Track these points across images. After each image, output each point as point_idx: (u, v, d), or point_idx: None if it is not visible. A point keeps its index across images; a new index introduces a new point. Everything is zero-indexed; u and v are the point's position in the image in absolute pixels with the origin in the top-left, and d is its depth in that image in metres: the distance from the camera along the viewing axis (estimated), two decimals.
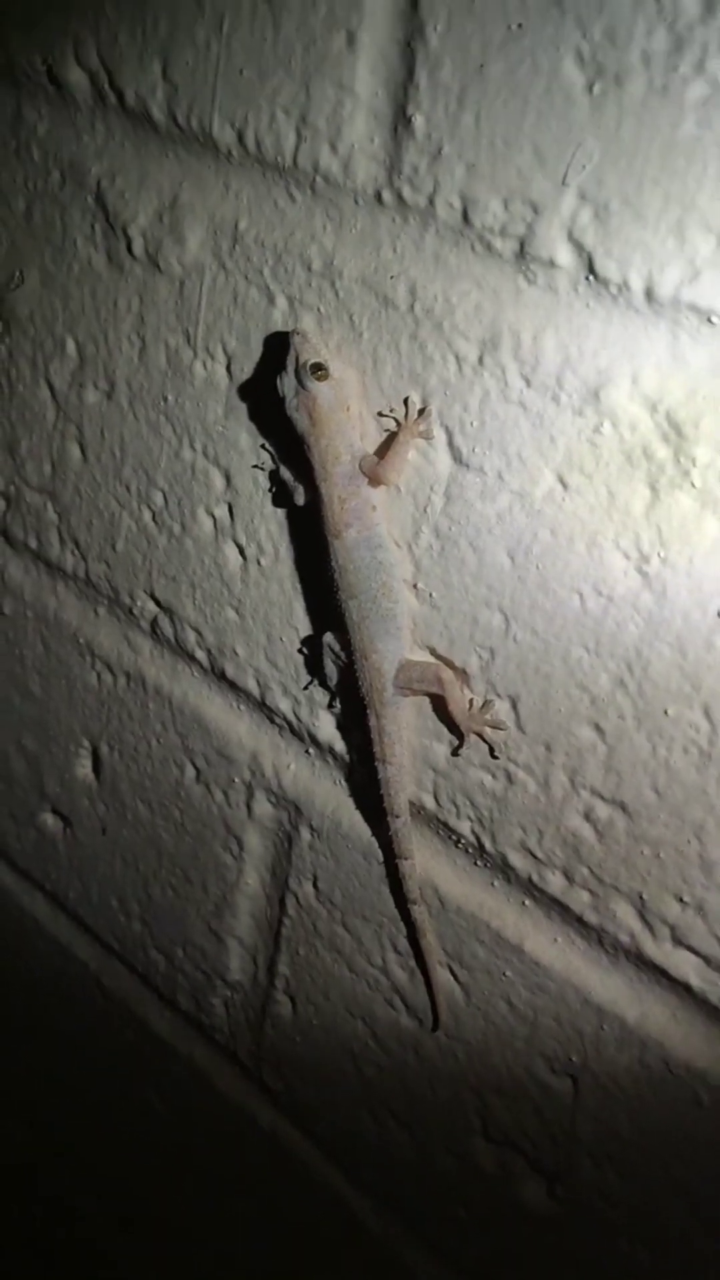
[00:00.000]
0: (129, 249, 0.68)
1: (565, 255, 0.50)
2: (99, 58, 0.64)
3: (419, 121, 0.53)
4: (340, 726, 0.70)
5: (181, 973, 0.89)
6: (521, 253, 0.52)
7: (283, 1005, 0.81)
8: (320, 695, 0.70)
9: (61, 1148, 1.11)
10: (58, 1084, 1.07)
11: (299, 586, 0.68)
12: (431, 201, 0.54)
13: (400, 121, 0.54)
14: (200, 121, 0.61)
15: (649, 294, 0.48)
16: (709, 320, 0.47)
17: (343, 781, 0.72)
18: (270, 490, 0.67)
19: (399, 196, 0.55)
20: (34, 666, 0.89)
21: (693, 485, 0.50)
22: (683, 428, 0.49)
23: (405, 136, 0.54)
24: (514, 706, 0.60)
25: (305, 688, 0.70)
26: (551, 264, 0.51)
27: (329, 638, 0.66)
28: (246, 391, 0.66)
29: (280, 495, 0.66)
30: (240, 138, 0.60)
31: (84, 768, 0.90)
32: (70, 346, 0.74)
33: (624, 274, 0.49)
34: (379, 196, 0.56)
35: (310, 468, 0.61)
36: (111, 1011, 0.98)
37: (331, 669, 0.67)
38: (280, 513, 0.67)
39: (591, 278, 0.50)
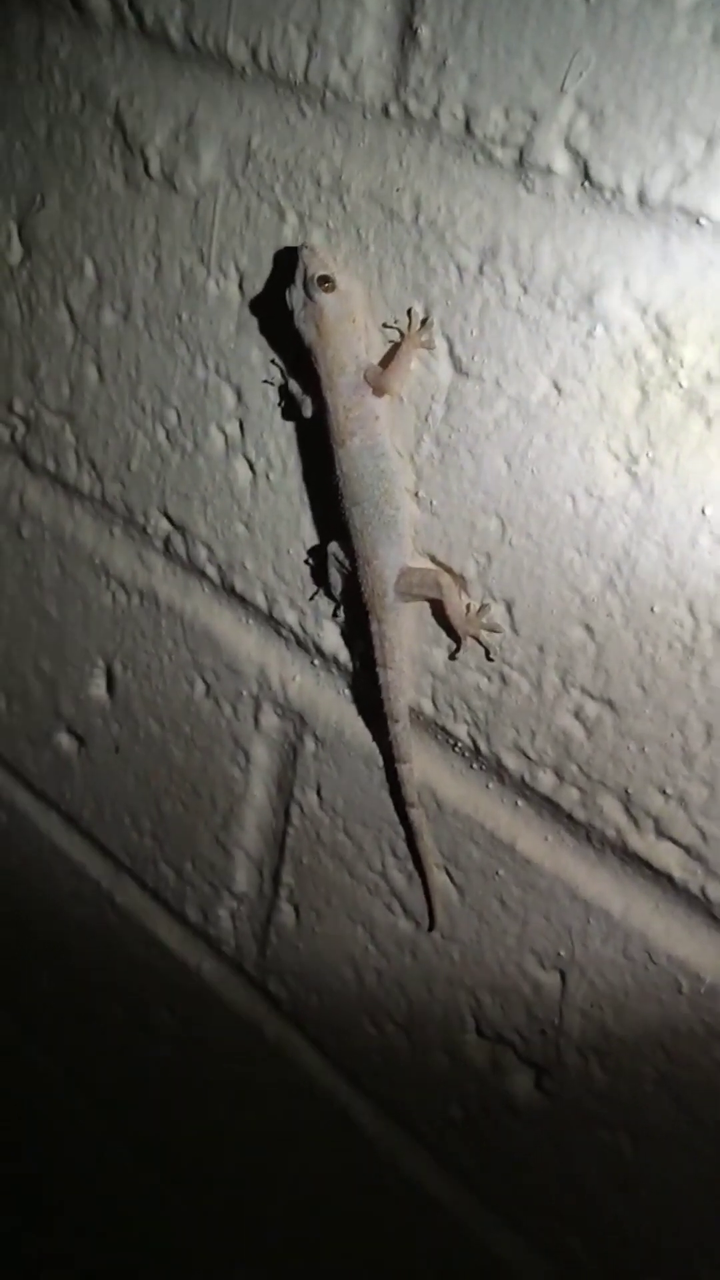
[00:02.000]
0: (146, 169, 0.70)
1: (562, 162, 0.52)
2: None
3: (425, 33, 0.55)
4: (344, 636, 0.73)
5: (190, 886, 0.92)
6: (521, 161, 0.54)
7: (286, 914, 0.84)
8: (325, 605, 0.72)
9: (76, 1065, 1.14)
10: (73, 1003, 1.11)
11: (306, 500, 0.71)
12: (436, 113, 0.56)
13: (407, 34, 0.56)
14: (216, 40, 0.63)
15: (641, 198, 0.50)
16: (697, 222, 0.49)
17: (345, 691, 0.74)
18: (279, 404, 0.69)
19: (405, 109, 0.57)
20: (51, 589, 0.92)
21: (680, 385, 0.52)
22: (671, 329, 0.51)
23: (411, 49, 0.56)
24: (509, 610, 0.62)
25: (311, 598, 0.73)
26: (549, 171, 0.53)
27: (333, 546, 0.68)
28: (257, 307, 0.68)
29: (289, 409, 0.69)
30: (254, 55, 0.62)
31: (98, 687, 0.93)
32: (89, 268, 0.77)
33: (618, 178, 0.51)
34: (386, 110, 0.58)
35: (317, 379, 0.64)
36: (124, 928, 1.01)
37: (336, 578, 0.69)
38: (289, 427, 0.70)
39: (587, 183, 0.52)
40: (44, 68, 0.73)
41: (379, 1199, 0.86)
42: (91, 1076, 1.14)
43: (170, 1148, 1.06)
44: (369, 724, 0.73)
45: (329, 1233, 0.94)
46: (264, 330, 0.69)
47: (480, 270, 0.57)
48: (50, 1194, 1.27)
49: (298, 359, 0.65)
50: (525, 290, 0.56)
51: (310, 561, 0.72)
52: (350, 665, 0.73)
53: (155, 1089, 1.05)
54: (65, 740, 0.99)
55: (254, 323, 0.69)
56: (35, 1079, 1.20)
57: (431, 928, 0.74)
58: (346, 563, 0.68)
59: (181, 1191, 1.08)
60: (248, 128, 0.64)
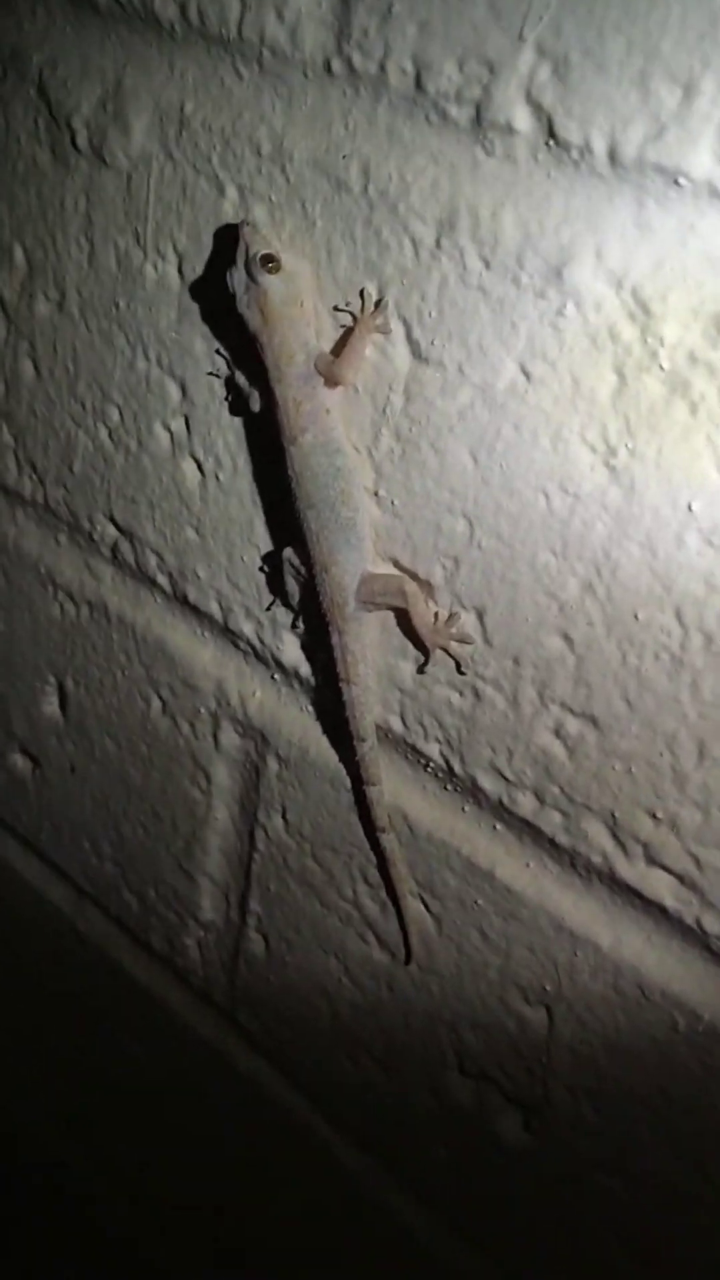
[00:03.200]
0: (73, 142, 0.64)
1: (524, 119, 0.46)
2: None
3: None
4: (305, 648, 0.67)
5: (154, 914, 0.87)
6: (478, 119, 0.48)
7: (255, 944, 0.79)
8: (284, 615, 0.67)
9: (42, 1098, 1.09)
10: (36, 1034, 1.05)
11: (259, 501, 0.65)
12: (383, 68, 0.50)
13: None
14: None
15: (612, 156, 0.45)
16: (675, 182, 0.44)
17: (309, 707, 0.69)
18: (226, 398, 0.64)
19: (349, 65, 0.51)
20: None
21: (661, 368, 0.46)
22: (649, 304, 0.46)
23: None
24: (480, 618, 0.57)
25: (268, 608, 0.67)
26: (510, 129, 0.47)
27: (289, 552, 0.63)
28: (199, 293, 0.62)
29: (236, 403, 0.63)
30: (183, 11, 0.56)
31: (51, 704, 0.87)
32: (18, 254, 0.71)
33: (585, 135, 0.45)
34: (328, 66, 0.52)
35: (264, 369, 0.58)
36: (88, 958, 0.96)
37: (293, 586, 0.64)
38: (237, 423, 0.64)
39: (552, 142, 0.46)
40: None
41: (360, 1236, 0.81)
42: (54, 1106, 1.08)
43: (141, 1179, 1.01)
44: (334, 743, 0.68)
45: (308, 1271, 0.89)
46: (207, 317, 0.63)
47: (437, 244, 0.51)
48: (9, 1228, 1.21)
49: (244, 348, 0.59)
50: (487, 265, 0.50)
51: (265, 569, 0.66)
52: (313, 679, 0.67)
53: (123, 1120, 1.00)
54: (19, 760, 0.93)
55: (196, 309, 0.63)
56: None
57: (408, 961, 0.68)
58: (303, 569, 0.62)
59: (152, 1224, 1.02)
60: (180, 93, 0.58)
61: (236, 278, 0.56)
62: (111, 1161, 1.04)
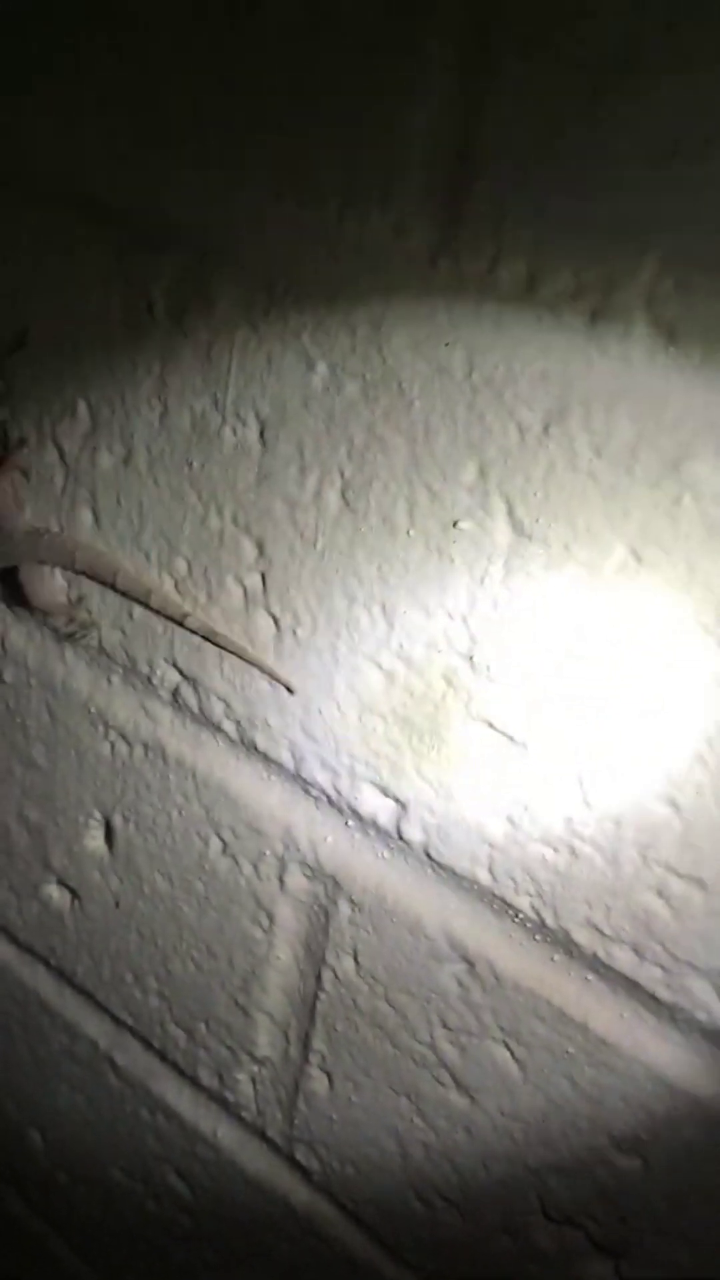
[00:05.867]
0: (149, 310, 0.65)
1: (643, 327, 0.49)
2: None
3: (481, 187, 0.51)
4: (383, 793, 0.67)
5: (204, 1048, 0.86)
6: (593, 322, 0.50)
7: (318, 1081, 0.78)
8: (362, 768, 0.67)
9: (77, 1233, 1.06)
10: (69, 1166, 1.03)
11: (339, 658, 0.66)
12: (493, 269, 0.52)
13: (460, 180, 0.52)
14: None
15: None
16: None
17: (385, 854, 0.69)
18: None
19: (456, 263, 0.53)
20: (38, 736, 0.86)
21: None
22: None
23: (465, 199, 0.52)
24: (580, 783, 0.58)
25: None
26: (627, 335, 0.49)
27: None
28: (281, 458, 0.63)
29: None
30: (277, 197, 0.57)
31: (94, 839, 0.86)
32: (81, 408, 0.71)
33: (709, 346, 0.47)
34: (433, 262, 0.54)
35: None
36: (125, 1090, 0.94)
37: None
38: (320, 581, 0.65)
39: (672, 349, 0.48)
40: (28, 194, 0.68)
41: None
42: (92, 1244, 1.05)
43: None
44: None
45: None
46: (289, 482, 0.64)
47: (545, 431, 0.53)
48: None
49: None
50: (598, 454, 0.52)
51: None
52: (392, 827, 0.68)
53: (166, 1258, 0.97)
54: (55, 892, 0.92)
55: (277, 473, 0.64)
56: (28, 1246, 1.11)
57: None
58: None
59: None
60: (268, 271, 0.60)
61: None
62: None
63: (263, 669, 0.69)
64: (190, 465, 0.67)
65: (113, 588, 0.73)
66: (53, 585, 0.78)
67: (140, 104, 0.61)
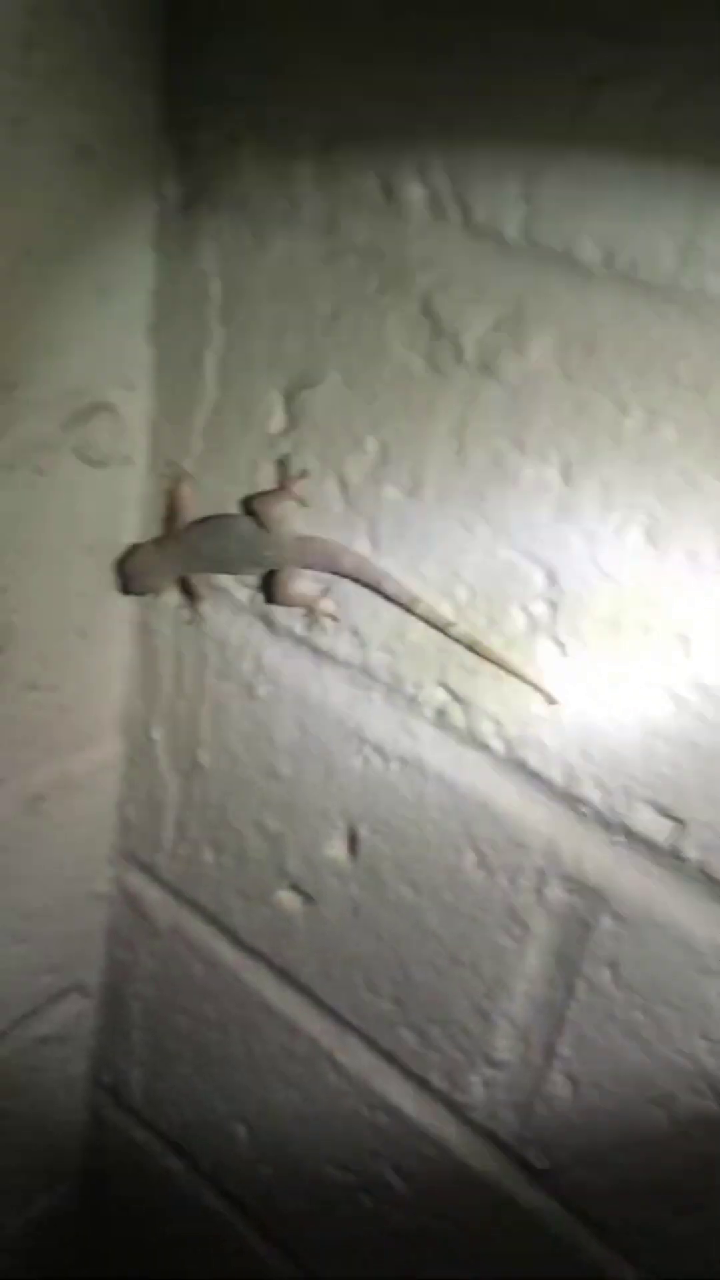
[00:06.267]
0: (458, 357, 0.69)
1: None
2: (447, 176, 0.66)
3: None
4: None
5: (436, 1050, 0.90)
6: None
7: (559, 1087, 0.82)
8: (641, 790, 0.71)
9: (277, 1226, 1.11)
10: (277, 1161, 1.07)
11: (631, 684, 0.69)
12: None
13: None
14: (563, 240, 0.63)
15: None
16: None
17: (654, 869, 0.73)
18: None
19: None
20: (285, 749, 0.91)
21: None
22: None
23: None
24: None
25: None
26: None
27: None
28: (582, 493, 0.67)
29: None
30: (610, 258, 0.62)
31: (335, 848, 0.91)
32: (370, 444, 0.76)
33: None
34: None
35: None
36: (345, 1087, 0.98)
37: None
38: (612, 612, 0.69)
39: None
40: (334, 250, 0.73)
41: None
42: (293, 1238, 1.10)
43: None
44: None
45: None
46: (587, 517, 0.68)
47: None
48: None
49: None
50: None
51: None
52: (667, 845, 0.71)
53: (377, 1252, 1.02)
54: (287, 897, 0.97)
55: (575, 508, 0.68)
56: (222, 1240, 1.16)
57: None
58: None
59: None
60: (588, 324, 0.64)
61: None
62: None
63: (525, 680, 0.73)
64: (483, 498, 0.71)
65: (378, 591, 0.78)
66: (305, 583, 0.83)
67: None
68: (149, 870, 1.08)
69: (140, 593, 0.92)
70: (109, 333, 0.83)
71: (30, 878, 1.02)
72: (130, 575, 0.91)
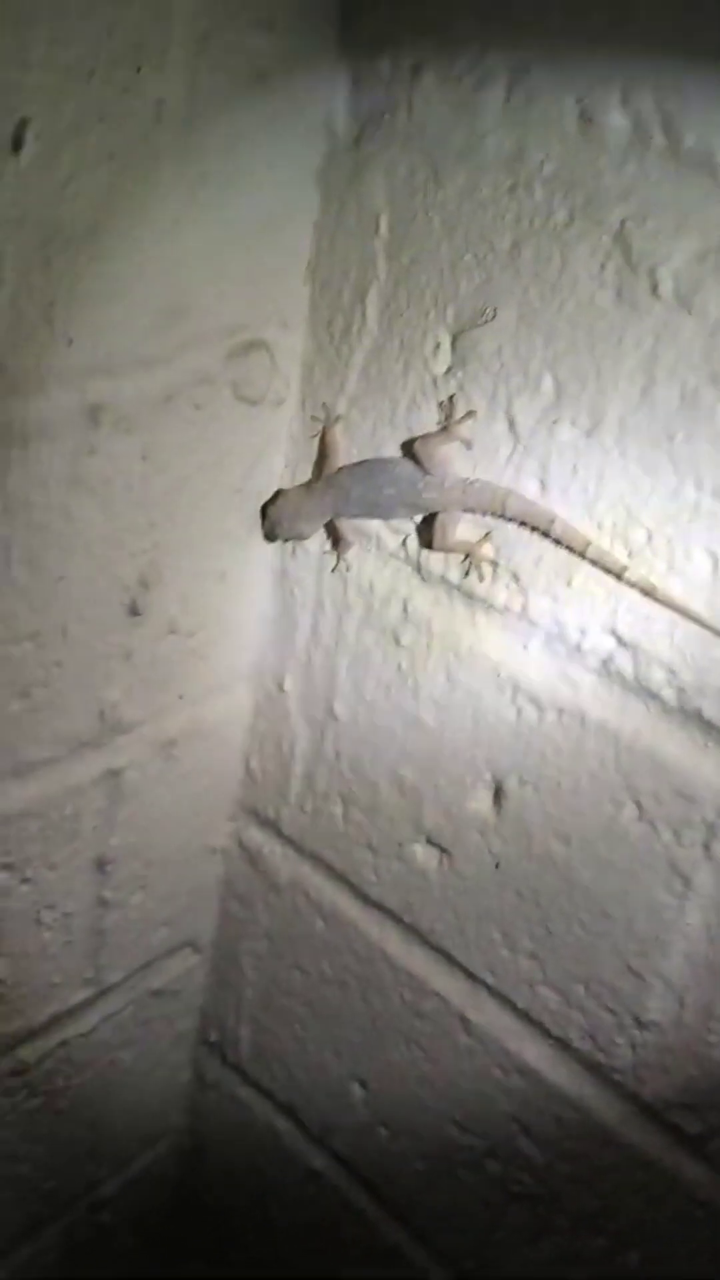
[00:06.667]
0: (653, 290, 0.67)
1: None
2: (654, 102, 0.64)
3: None
4: None
5: (580, 1010, 0.88)
6: None
7: (717, 1049, 0.80)
8: None
9: (390, 1188, 1.10)
10: (394, 1122, 1.07)
11: None
12: None
13: None
14: None
15: None
16: None
17: None
18: None
19: None
20: (430, 697, 0.89)
21: None
22: None
23: None
24: None
25: None
26: None
27: None
28: None
29: None
30: None
31: (479, 801, 0.89)
32: (546, 383, 0.74)
33: None
34: None
35: None
36: (476, 1047, 0.97)
37: None
38: None
39: None
40: (520, 182, 0.71)
41: None
42: (407, 1201, 1.09)
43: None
44: None
45: None
46: None
47: None
48: None
49: None
50: None
51: None
52: None
53: (500, 1217, 1.00)
54: (421, 851, 0.95)
55: None
56: (331, 1202, 1.16)
57: None
58: None
59: None
60: None
61: None
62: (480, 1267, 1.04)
63: (707, 626, 0.71)
64: (671, 438, 0.70)
65: (546, 535, 0.76)
66: (466, 528, 0.81)
67: None
68: (271, 825, 1.07)
69: (285, 538, 0.91)
70: (268, 268, 0.82)
71: (156, 825, 1.01)
72: (276, 520, 0.90)
